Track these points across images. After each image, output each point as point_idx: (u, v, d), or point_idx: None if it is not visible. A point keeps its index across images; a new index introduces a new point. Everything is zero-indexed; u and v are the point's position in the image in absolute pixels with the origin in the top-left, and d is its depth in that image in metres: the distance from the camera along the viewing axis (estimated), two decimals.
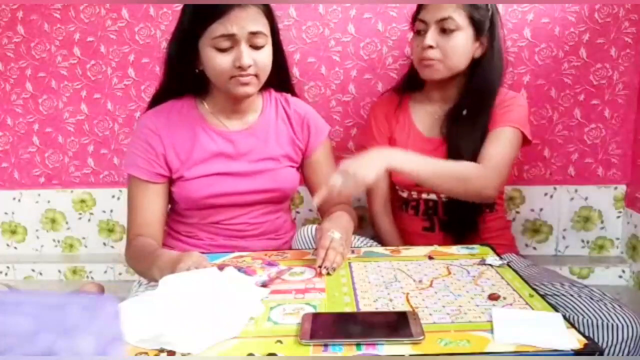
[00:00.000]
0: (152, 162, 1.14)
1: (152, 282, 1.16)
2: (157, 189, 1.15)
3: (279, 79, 1.23)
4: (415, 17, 1.27)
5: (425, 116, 1.34)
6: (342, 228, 1.04)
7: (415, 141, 1.32)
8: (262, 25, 1.08)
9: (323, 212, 1.26)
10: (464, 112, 1.25)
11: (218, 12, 1.04)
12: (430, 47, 1.21)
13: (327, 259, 0.95)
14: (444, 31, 1.20)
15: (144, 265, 1.03)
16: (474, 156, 1.22)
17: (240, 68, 1.06)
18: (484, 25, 1.22)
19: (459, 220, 1.29)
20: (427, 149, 1.29)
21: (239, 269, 0.93)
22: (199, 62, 1.11)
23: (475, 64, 1.25)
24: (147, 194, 1.14)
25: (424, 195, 1.32)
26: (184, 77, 1.15)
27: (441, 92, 1.31)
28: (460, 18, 1.19)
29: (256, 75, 1.09)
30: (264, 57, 1.10)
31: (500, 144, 1.21)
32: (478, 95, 1.25)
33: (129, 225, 1.15)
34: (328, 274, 0.94)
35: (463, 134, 1.25)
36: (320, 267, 0.94)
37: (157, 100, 1.20)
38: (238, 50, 1.06)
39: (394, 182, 1.36)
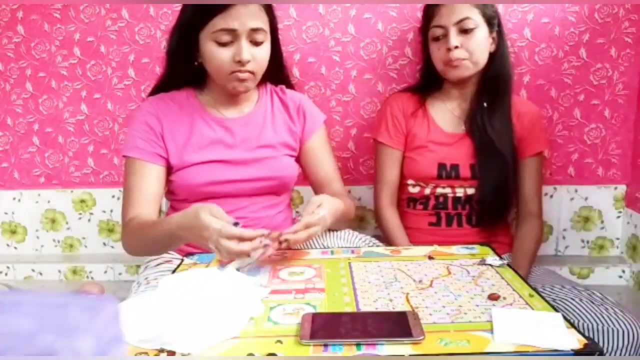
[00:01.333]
0: (151, 142, 1.15)
1: (152, 259, 1.18)
2: (155, 171, 1.15)
3: (276, 76, 1.25)
4: (427, 25, 1.30)
5: (444, 113, 1.37)
6: (332, 214, 1.05)
7: (435, 136, 1.35)
8: (263, 22, 1.10)
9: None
10: (485, 105, 1.31)
11: (220, 7, 1.06)
12: (456, 47, 1.24)
13: (296, 236, 0.95)
14: (464, 31, 1.24)
15: (152, 232, 1.04)
16: (505, 146, 1.29)
17: (240, 63, 1.08)
18: (495, 20, 1.27)
19: (493, 210, 1.33)
20: (449, 143, 1.34)
21: None
22: (198, 54, 1.13)
23: (489, 59, 1.30)
24: (145, 175, 1.14)
25: (439, 190, 1.33)
26: (184, 68, 1.17)
27: (460, 90, 1.35)
28: (476, 16, 1.24)
29: (253, 72, 1.11)
30: (263, 54, 1.12)
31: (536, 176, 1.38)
32: (496, 88, 1.31)
33: (124, 207, 1.14)
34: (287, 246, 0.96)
35: (490, 128, 1.30)
36: (285, 240, 0.95)
37: (158, 91, 1.22)
38: (238, 46, 1.08)
39: (409, 176, 1.36)
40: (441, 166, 1.32)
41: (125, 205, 1.15)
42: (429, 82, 1.38)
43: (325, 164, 1.29)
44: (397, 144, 1.38)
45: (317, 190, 1.31)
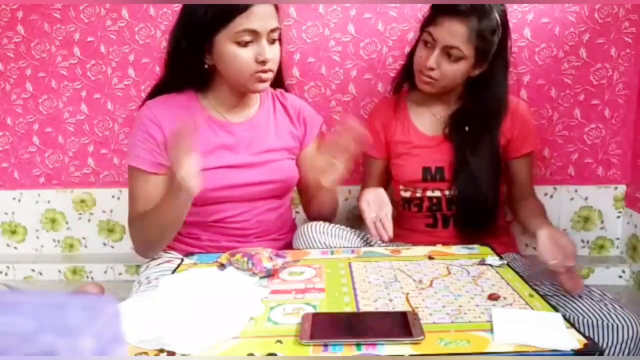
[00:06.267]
0: (153, 152, 1.14)
1: (153, 258, 1.18)
2: (158, 181, 1.15)
3: (276, 77, 1.24)
4: (424, 26, 1.25)
5: (425, 116, 1.36)
6: None
7: (418, 140, 1.34)
8: (278, 22, 1.11)
9: (307, 195, 1.32)
10: (466, 129, 1.28)
11: (241, 7, 1.06)
12: (432, 68, 1.22)
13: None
14: (449, 56, 1.21)
15: (152, 213, 1.08)
16: (482, 155, 1.27)
17: (263, 63, 1.08)
18: (488, 54, 1.22)
19: (473, 216, 1.30)
20: (431, 146, 1.33)
21: (248, 256, 0.94)
22: (209, 57, 1.12)
23: (482, 80, 1.26)
24: (148, 185, 1.14)
25: (429, 193, 1.33)
26: (190, 71, 1.16)
27: (442, 95, 1.32)
28: (467, 49, 1.19)
29: (272, 71, 1.12)
30: (278, 53, 1.14)
31: (530, 170, 1.38)
32: (482, 113, 1.28)
33: (130, 212, 1.16)
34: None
35: (468, 136, 1.28)
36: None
37: (157, 93, 1.20)
38: (259, 46, 1.08)
39: (398, 182, 1.37)
40: (425, 169, 1.31)
41: (131, 208, 1.16)
42: (405, 78, 1.35)
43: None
44: (378, 153, 1.39)
45: (305, 195, 1.32)
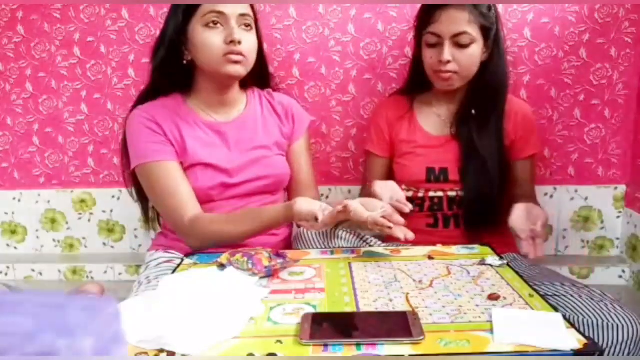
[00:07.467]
0: (163, 142, 1.15)
1: (153, 259, 1.19)
2: (178, 168, 1.15)
3: (261, 74, 1.26)
4: (422, 28, 1.27)
5: (431, 116, 1.37)
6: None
7: (423, 140, 1.35)
8: (249, 10, 1.14)
9: (293, 194, 1.31)
10: (473, 112, 1.29)
11: None
12: (448, 61, 1.22)
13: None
14: (459, 45, 1.21)
15: (243, 223, 1.10)
16: (490, 153, 1.27)
17: (232, 43, 1.09)
18: (492, 32, 1.25)
19: (480, 215, 1.30)
20: (436, 146, 1.33)
21: (248, 256, 0.94)
22: (188, 51, 1.14)
23: (481, 67, 1.27)
24: (175, 174, 1.13)
25: (431, 193, 1.33)
26: (172, 71, 1.17)
27: (448, 95, 1.33)
28: (474, 31, 1.21)
29: (246, 56, 1.13)
30: (253, 40, 1.15)
31: (532, 173, 1.40)
32: (486, 96, 1.29)
33: (173, 212, 1.12)
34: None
35: (475, 134, 1.29)
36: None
37: (144, 99, 1.21)
38: (229, 28, 1.10)
39: (400, 181, 1.37)
40: (430, 170, 1.31)
41: (171, 210, 1.13)
42: (417, 81, 1.36)
43: (305, 169, 1.31)
44: (381, 151, 1.39)
45: (292, 193, 1.32)
